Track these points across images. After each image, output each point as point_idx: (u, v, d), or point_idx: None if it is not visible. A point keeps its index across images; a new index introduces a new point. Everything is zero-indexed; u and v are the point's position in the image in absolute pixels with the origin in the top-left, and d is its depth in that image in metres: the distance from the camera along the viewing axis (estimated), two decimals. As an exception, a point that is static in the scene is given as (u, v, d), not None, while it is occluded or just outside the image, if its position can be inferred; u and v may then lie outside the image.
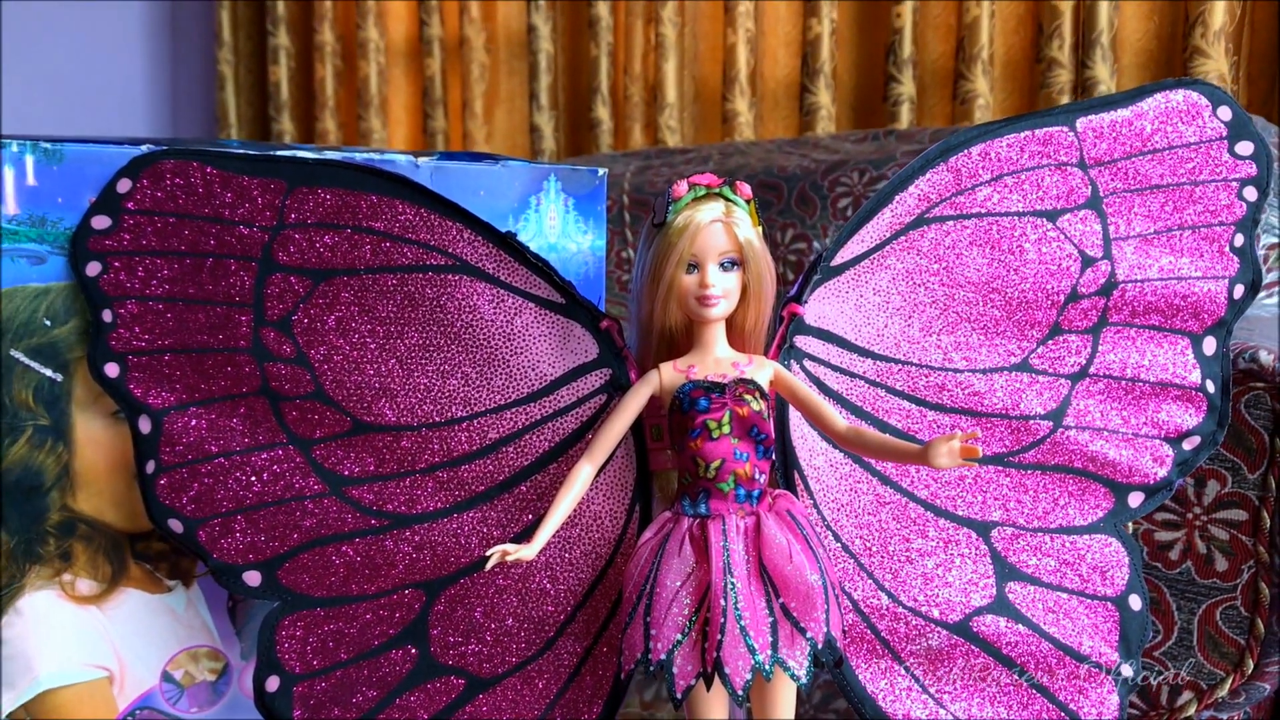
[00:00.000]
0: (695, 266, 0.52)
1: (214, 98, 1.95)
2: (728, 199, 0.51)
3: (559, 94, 1.66)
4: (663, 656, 0.48)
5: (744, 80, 1.48)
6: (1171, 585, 0.85)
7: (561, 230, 0.66)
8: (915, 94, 1.40)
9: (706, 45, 1.57)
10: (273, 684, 0.55)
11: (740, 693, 0.48)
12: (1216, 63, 1.19)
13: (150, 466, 0.54)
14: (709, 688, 0.49)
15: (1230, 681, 0.82)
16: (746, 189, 0.52)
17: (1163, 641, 0.85)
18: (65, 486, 0.56)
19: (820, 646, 0.49)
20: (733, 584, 0.48)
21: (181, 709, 0.60)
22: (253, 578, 0.55)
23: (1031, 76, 1.35)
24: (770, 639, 0.48)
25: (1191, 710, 0.84)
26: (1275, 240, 1.09)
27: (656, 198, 0.52)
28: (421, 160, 0.61)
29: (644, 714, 0.86)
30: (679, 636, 0.49)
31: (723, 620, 0.48)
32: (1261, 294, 1.10)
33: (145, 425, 0.54)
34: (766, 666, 0.48)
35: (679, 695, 0.49)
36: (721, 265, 0.52)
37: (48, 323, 0.55)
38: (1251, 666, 0.81)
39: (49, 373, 0.55)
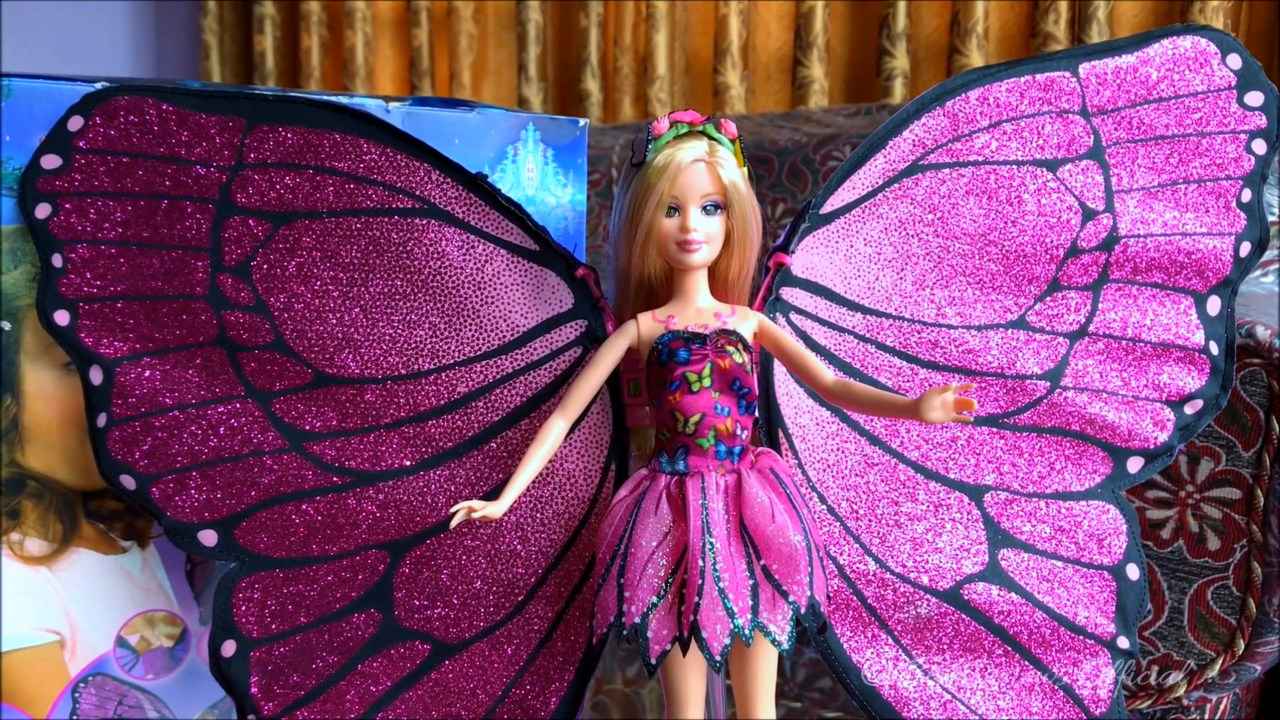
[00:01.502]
0: (676, 209, 0.49)
1: (199, 67, 1.93)
2: (711, 137, 0.49)
3: (548, 65, 1.65)
4: (637, 620, 0.46)
5: (736, 53, 1.47)
6: (1163, 564, 0.83)
7: (540, 182, 0.63)
8: (909, 68, 1.40)
9: (698, 17, 1.56)
10: (229, 649, 0.53)
11: (718, 659, 0.45)
12: (1215, 38, 1.17)
13: (102, 419, 0.52)
14: (685, 653, 0.46)
15: (1221, 662, 0.81)
16: (732, 127, 0.49)
17: (1153, 621, 0.84)
18: (14, 441, 0.54)
19: (803, 611, 0.46)
20: (712, 544, 0.46)
21: (137, 675, 0.58)
22: (208, 537, 0.53)
23: (1027, 51, 1.34)
24: (751, 602, 0.46)
25: (1181, 690, 0.82)
26: (1273, 218, 1.08)
27: (635, 135, 0.50)
28: (393, 105, 0.58)
29: (627, 690, 0.85)
30: (654, 599, 0.46)
31: (700, 582, 0.45)
32: (1257, 271, 1.09)
33: (96, 376, 0.52)
34: (746, 631, 0.46)
35: (653, 661, 0.46)
36: (704, 208, 0.49)
37: (-5, 268, 0.52)
38: (1242, 647, 0.80)
39: (-3, 322, 0.53)
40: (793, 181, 1.25)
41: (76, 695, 0.56)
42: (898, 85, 1.38)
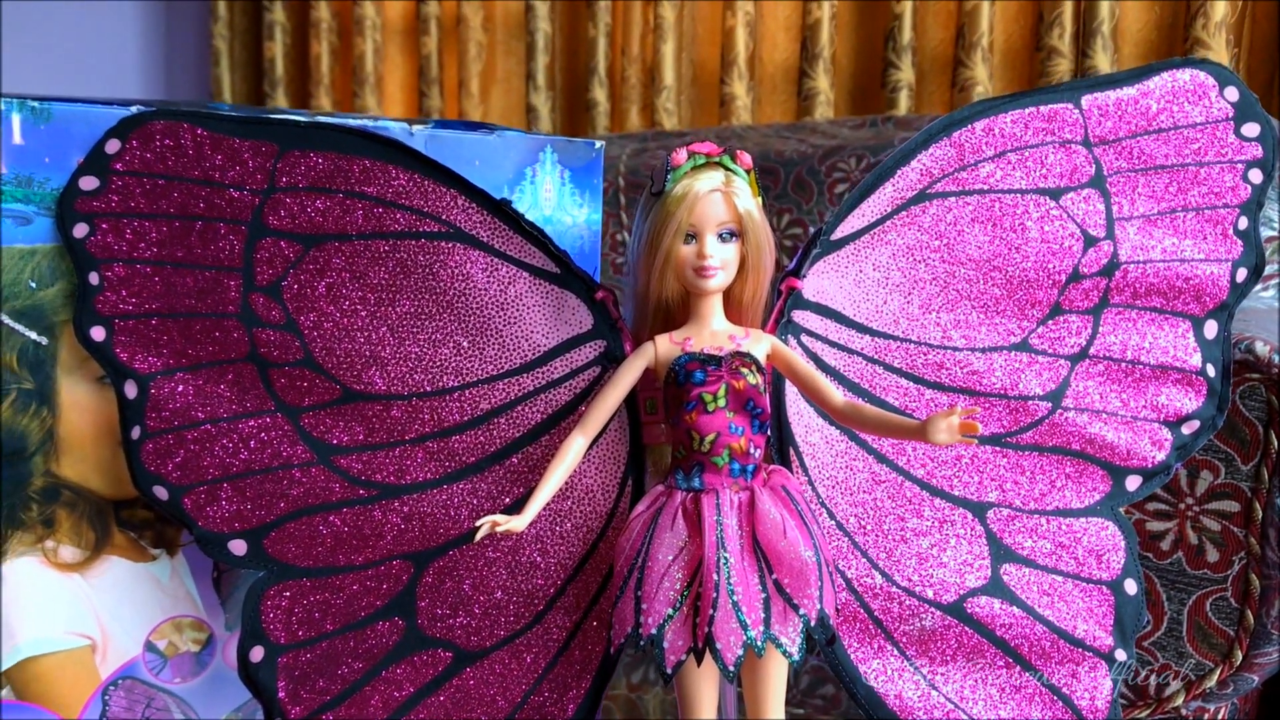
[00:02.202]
0: (693, 237, 0.51)
1: (208, 73, 1.93)
2: (727, 168, 0.50)
3: (556, 74, 1.65)
4: (653, 631, 0.48)
5: (742, 64, 1.47)
6: (1162, 575, 0.84)
7: (557, 203, 0.65)
8: (914, 81, 1.40)
9: (705, 28, 1.56)
10: (257, 654, 0.54)
11: (732, 669, 0.47)
12: (1217, 54, 1.19)
13: (136, 432, 0.53)
14: (700, 663, 0.48)
15: (1219, 673, 0.82)
16: (747, 158, 0.51)
17: (1152, 632, 0.85)
18: (49, 452, 0.55)
19: (813, 624, 0.48)
20: (726, 559, 0.48)
21: (165, 679, 0.59)
22: (238, 547, 0.54)
23: (1031, 65, 1.34)
24: (763, 615, 0.48)
25: (1179, 700, 0.84)
26: (1274, 233, 1.09)
27: (655, 166, 0.51)
28: (416, 128, 0.60)
29: (631, 695, 0.86)
30: (670, 611, 0.48)
31: (715, 595, 0.47)
32: (1259, 286, 1.10)
33: (131, 390, 0.53)
34: (759, 642, 0.47)
35: (669, 671, 0.48)
36: (720, 236, 0.51)
37: (33, 285, 0.54)
38: (1240, 658, 0.81)
39: (34, 336, 0.54)
40: (798, 192, 1.26)
41: (106, 698, 0.57)
42: (903, 97, 1.38)
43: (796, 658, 0.48)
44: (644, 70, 1.56)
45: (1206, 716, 0.90)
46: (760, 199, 0.52)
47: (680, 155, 0.50)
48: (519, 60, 1.70)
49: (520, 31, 1.68)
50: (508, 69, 1.71)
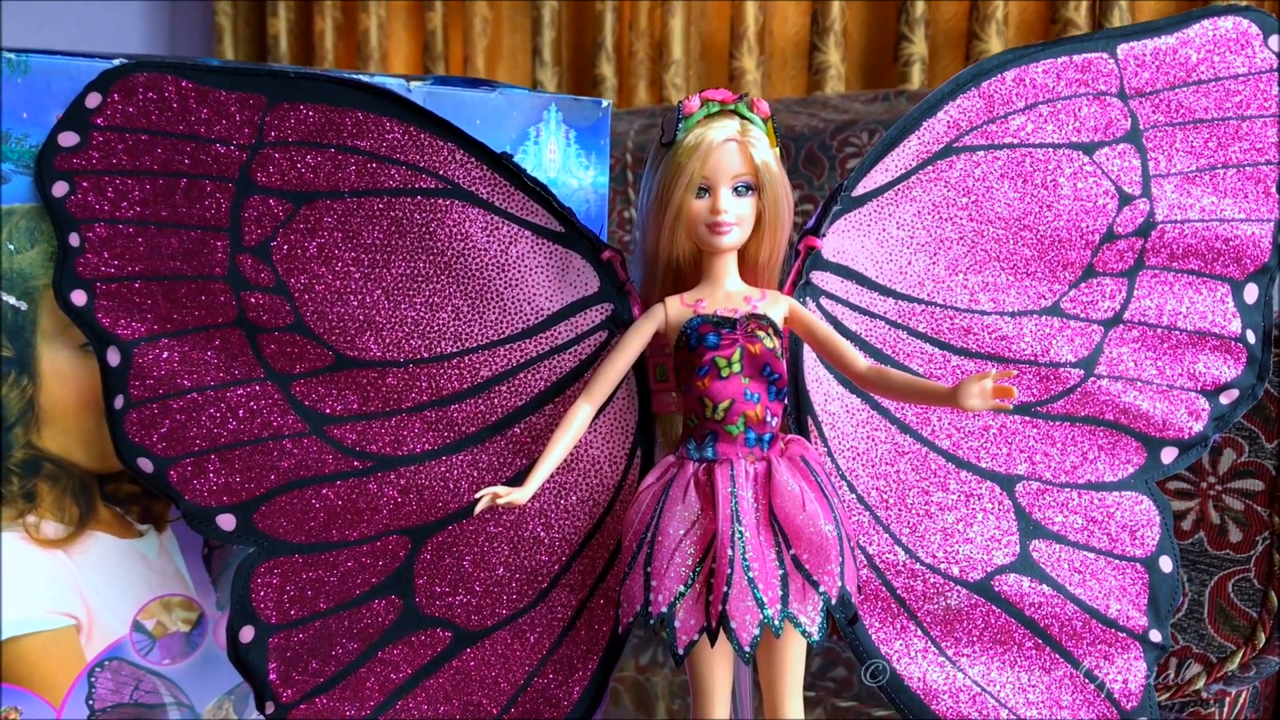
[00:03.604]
0: (706, 190, 0.48)
1: (212, 50, 1.93)
2: (743, 116, 0.48)
3: (562, 50, 1.64)
4: (664, 609, 0.45)
5: (752, 37, 1.46)
6: (1183, 556, 0.83)
7: (562, 164, 0.62)
8: (927, 54, 1.39)
9: (714, 2, 1.55)
10: (247, 634, 0.52)
11: (748, 650, 0.45)
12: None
13: (119, 401, 0.51)
14: (713, 644, 0.46)
15: (1241, 655, 0.80)
16: (764, 105, 0.48)
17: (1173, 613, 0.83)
18: (30, 423, 0.54)
19: (834, 601, 0.46)
20: (741, 533, 0.45)
21: (153, 660, 0.57)
22: (227, 521, 0.52)
23: (1046, 37, 1.33)
24: (780, 592, 0.45)
25: (1200, 683, 0.82)
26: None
27: (665, 114, 0.49)
28: (414, 84, 0.57)
29: (639, 677, 0.85)
30: (682, 588, 0.45)
31: (729, 571, 0.45)
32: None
33: (114, 357, 0.51)
34: (776, 622, 0.45)
35: (680, 652, 0.46)
36: (735, 189, 0.48)
37: (11, 247, 0.52)
38: (1263, 640, 0.79)
39: (12, 301, 0.52)
40: (809, 168, 1.25)
41: (92, 680, 0.56)
42: (915, 71, 1.37)
43: (816, 638, 0.45)
44: (652, 44, 1.56)
45: (1228, 701, 0.88)
46: (779, 150, 0.49)
47: (692, 103, 0.47)
48: (525, 35, 1.69)
49: (526, 6, 1.68)
50: (513, 44, 1.71)
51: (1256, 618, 0.80)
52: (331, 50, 1.78)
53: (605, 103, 0.63)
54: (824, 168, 1.24)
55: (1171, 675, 0.84)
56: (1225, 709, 0.89)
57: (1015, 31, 1.36)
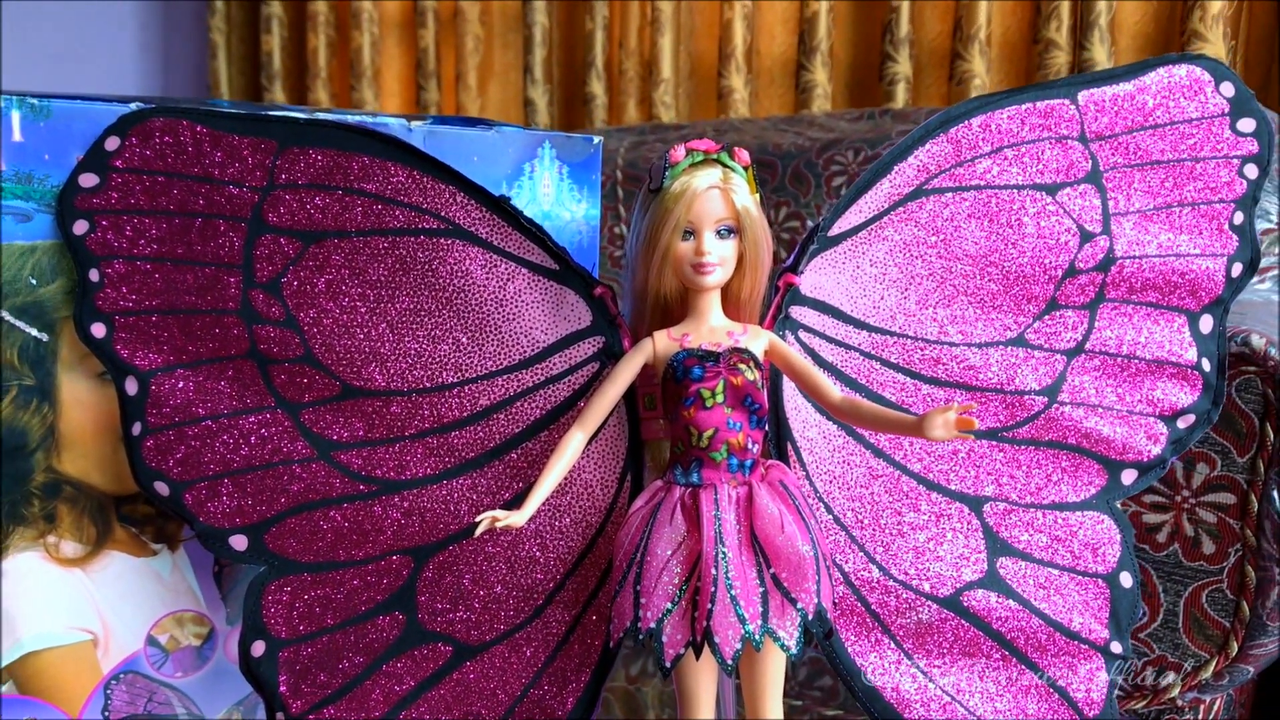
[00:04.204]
0: (691, 233, 0.51)
1: (206, 66, 1.93)
2: (725, 165, 0.51)
3: (553, 68, 1.65)
4: (652, 625, 0.48)
5: (740, 57, 1.47)
6: (1158, 567, 0.85)
7: (555, 198, 0.65)
8: (912, 73, 1.40)
9: (703, 20, 1.56)
10: (258, 649, 0.55)
11: (730, 662, 0.47)
12: (1214, 46, 1.19)
13: (136, 428, 0.53)
14: (698, 657, 0.49)
15: (1214, 664, 0.82)
16: (744, 155, 0.51)
17: (1148, 623, 0.85)
18: (50, 448, 0.55)
19: (811, 617, 0.48)
20: (724, 553, 0.48)
21: (166, 673, 0.59)
22: (239, 542, 0.55)
23: (1029, 58, 1.35)
24: (761, 609, 0.48)
25: (1175, 691, 0.84)
26: (1271, 225, 1.10)
27: (653, 163, 0.51)
28: (415, 124, 0.60)
29: (629, 688, 0.86)
30: (669, 605, 0.48)
31: (713, 589, 0.47)
32: (1255, 279, 1.10)
33: (132, 386, 0.53)
34: (757, 636, 0.48)
35: (668, 664, 0.48)
36: (718, 232, 0.51)
37: (33, 281, 0.54)
38: (1236, 649, 0.81)
39: (34, 332, 0.54)
40: (795, 185, 1.26)
41: (108, 692, 0.58)
42: (900, 90, 1.38)
43: (794, 651, 0.48)
44: (642, 63, 1.56)
45: (1202, 708, 0.90)
46: (758, 195, 0.52)
47: (678, 152, 0.50)
48: (516, 53, 1.70)
49: (518, 25, 1.68)
50: (505, 62, 1.71)
51: (1229, 627, 0.82)
52: (324, 67, 1.77)
53: (596, 139, 0.66)
54: (810, 185, 1.25)
55: (1148, 683, 0.87)
56: (1200, 716, 0.91)
57: (998, 51, 1.37)
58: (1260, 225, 1.09)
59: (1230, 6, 1.19)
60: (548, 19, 1.61)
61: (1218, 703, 0.92)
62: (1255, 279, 1.10)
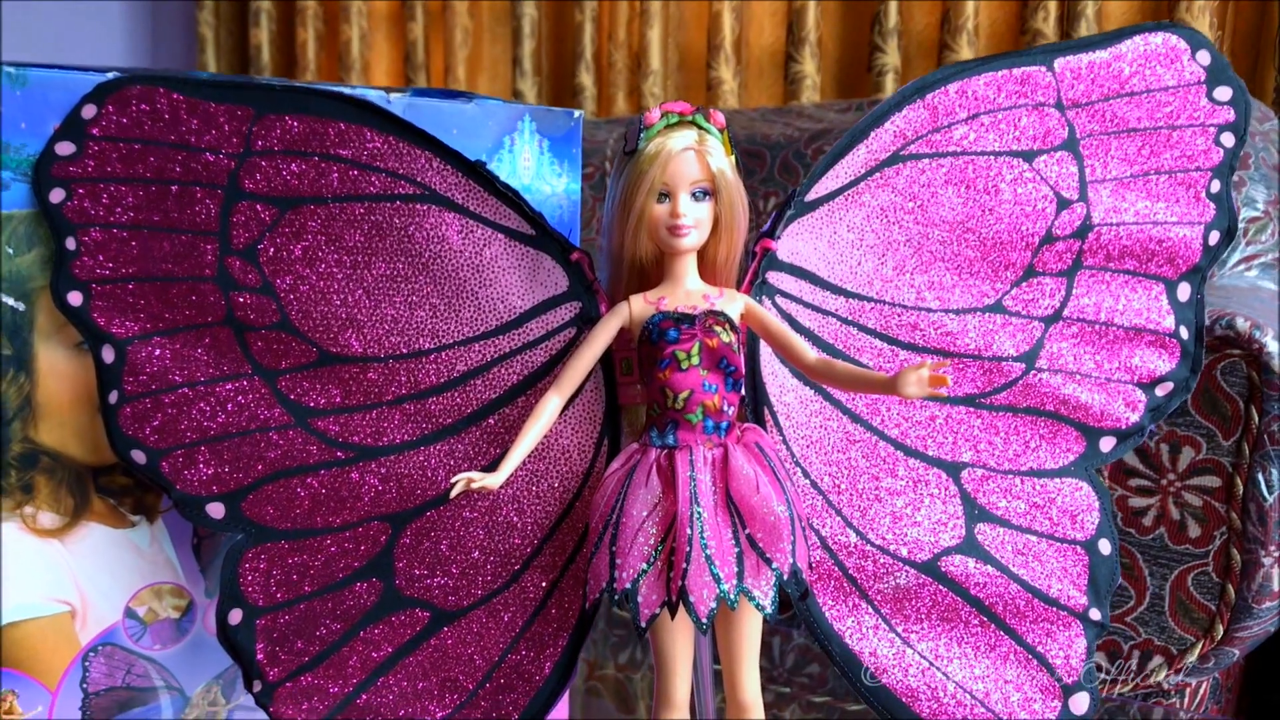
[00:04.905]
0: (666, 195, 0.51)
1: (195, 60, 1.93)
2: (701, 127, 0.51)
3: (542, 60, 1.65)
4: (628, 585, 0.48)
5: (729, 48, 1.48)
6: (1144, 551, 0.85)
7: (536, 172, 0.65)
8: (900, 64, 1.41)
9: (691, 12, 1.57)
10: (235, 617, 0.55)
11: (705, 622, 0.47)
12: (1200, 36, 1.19)
13: (113, 396, 0.53)
14: (674, 616, 0.49)
15: (1200, 647, 0.83)
16: (720, 117, 0.51)
17: (1134, 607, 0.86)
18: (27, 418, 0.55)
19: (786, 577, 0.48)
20: (699, 514, 0.48)
21: (144, 646, 0.59)
22: (216, 510, 0.54)
23: (1016, 47, 1.35)
24: (736, 569, 0.48)
25: (1161, 675, 0.85)
26: (1258, 213, 1.10)
27: (628, 125, 0.52)
28: (394, 96, 0.60)
29: (619, 676, 0.86)
30: (644, 566, 0.48)
31: (688, 549, 0.47)
32: (1242, 265, 1.11)
33: (108, 355, 0.53)
34: (731, 596, 0.48)
35: (643, 624, 0.48)
36: (693, 195, 0.51)
37: (9, 251, 0.53)
38: (1221, 632, 0.82)
39: (11, 302, 0.54)
40: (784, 175, 1.26)
41: (87, 664, 0.58)
42: (889, 81, 1.39)
43: (769, 610, 0.48)
44: (630, 55, 1.57)
45: (1189, 690, 0.91)
46: (734, 158, 0.52)
47: (653, 114, 0.50)
48: (505, 46, 1.70)
49: (506, 17, 1.69)
50: (494, 55, 1.72)
51: (1215, 610, 0.83)
52: (313, 60, 1.78)
53: (577, 113, 0.66)
54: (799, 175, 1.25)
55: (1134, 666, 0.87)
56: (1187, 699, 0.92)
57: (986, 41, 1.38)
58: (1247, 213, 1.09)
59: (1212, 1, 1.20)
60: (536, 11, 1.62)
61: (1204, 686, 0.93)
62: (1241, 265, 1.10)
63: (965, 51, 1.34)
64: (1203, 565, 0.84)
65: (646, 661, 0.88)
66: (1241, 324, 0.82)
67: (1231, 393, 0.82)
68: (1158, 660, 0.87)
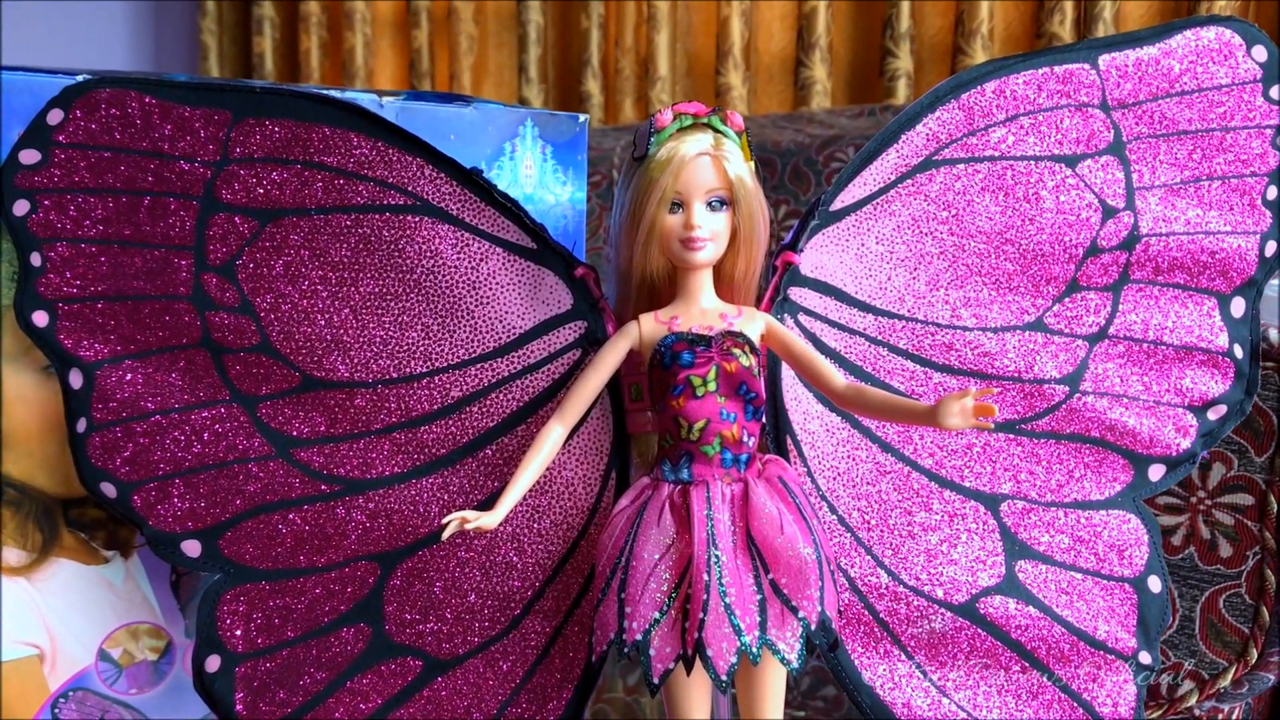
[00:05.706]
0: (679, 205, 0.47)
1: (197, 68, 1.92)
2: (717, 130, 0.47)
3: (548, 67, 1.64)
4: (638, 637, 0.44)
5: (738, 53, 1.47)
6: (1174, 571, 0.82)
7: (538, 180, 0.62)
8: (912, 69, 1.40)
9: (699, 18, 1.56)
10: (213, 664, 0.51)
11: (724, 678, 0.43)
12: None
13: (81, 425, 0.50)
14: (689, 672, 0.45)
15: (1233, 672, 0.79)
16: (738, 119, 0.47)
17: (1164, 630, 0.82)
18: None
19: (814, 628, 0.44)
20: (717, 557, 0.44)
21: (119, 690, 0.56)
22: (192, 547, 0.51)
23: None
24: (758, 618, 0.44)
25: (1193, 700, 0.81)
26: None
27: (638, 128, 0.48)
28: (386, 99, 0.57)
29: (628, 699, 0.84)
30: (657, 615, 0.44)
31: (705, 597, 0.43)
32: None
33: (76, 380, 0.50)
34: (754, 649, 0.44)
35: (655, 680, 0.44)
36: (709, 204, 0.47)
37: (-30, 268, 0.51)
38: (1255, 656, 0.78)
39: (-28, 323, 0.51)
40: (795, 183, 1.24)
41: (56, 710, 0.55)
42: (901, 86, 1.38)
43: (795, 665, 0.44)
44: (638, 61, 1.56)
45: (1220, 717, 0.87)
46: (754, 164, 0.48)
47: (665, 116, 0.47)
48: (511, 53, 1.69)
49: (512, 24, 1.68)
50: (499, 62, 1.71)
51: (1248, 633, 0.79)
52: (317, 69, 1.77)
53: (582, 118, 0.63)
54: (810, 183, 1.23)
55: (1164, 692, 0.84)
56: (1219, 726, 0.88)
57: (1000, 45, 1.37)
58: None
59: (1235, 3, 1.17)
60: (542, 17, 1.61)
61: (1236, 711, 0.90)
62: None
63: (979, 55, 1.32)
64: (1235, 586, 0.81)
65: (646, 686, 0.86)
66: (1275, 336, 0.79)
67: (1265, 406, 0.79)
68: (1188, 686, 0.84)
